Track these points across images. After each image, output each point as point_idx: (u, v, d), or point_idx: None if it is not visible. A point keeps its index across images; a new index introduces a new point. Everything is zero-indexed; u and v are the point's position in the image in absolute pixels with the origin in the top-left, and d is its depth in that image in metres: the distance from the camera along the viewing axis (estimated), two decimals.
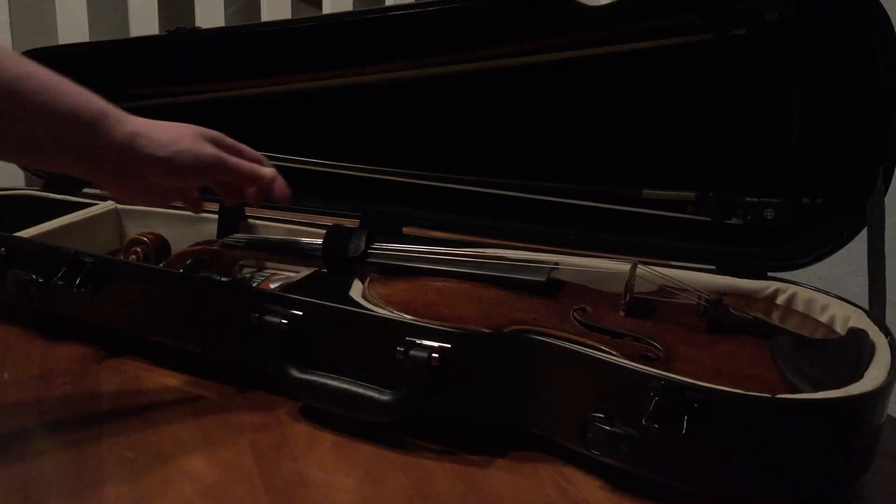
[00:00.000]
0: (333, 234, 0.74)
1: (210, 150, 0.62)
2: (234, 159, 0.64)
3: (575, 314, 0.64)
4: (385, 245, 0.75)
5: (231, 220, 0.88)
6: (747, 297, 0.69)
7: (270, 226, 0.88)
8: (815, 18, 0.65)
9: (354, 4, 1.62)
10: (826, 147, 0.68)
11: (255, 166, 0.65)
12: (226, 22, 1.54)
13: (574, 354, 0.55)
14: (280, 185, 0.67)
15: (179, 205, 0.92)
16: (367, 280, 0.70)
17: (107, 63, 0.92)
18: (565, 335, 0.60)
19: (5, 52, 0.54)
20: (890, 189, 0.65)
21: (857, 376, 0.53)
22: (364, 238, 0.74)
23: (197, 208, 0.71)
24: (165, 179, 0.61)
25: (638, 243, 0.75)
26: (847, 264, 0.82)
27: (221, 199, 0.69)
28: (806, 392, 0.53)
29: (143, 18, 1.47)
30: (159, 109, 0.92)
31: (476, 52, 0.78)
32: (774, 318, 0.67)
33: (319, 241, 0.75)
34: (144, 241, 0.82)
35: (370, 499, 0.53)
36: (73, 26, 1.42)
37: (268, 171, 0.66)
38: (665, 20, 0.69)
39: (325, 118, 0.88)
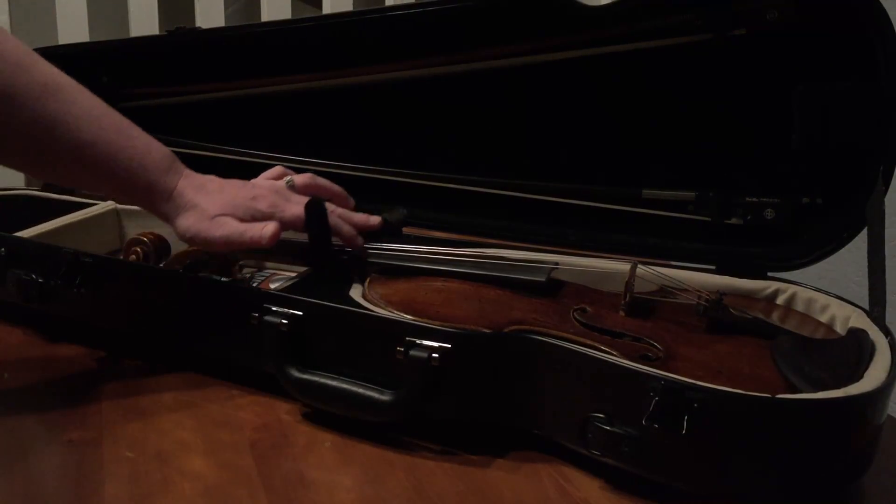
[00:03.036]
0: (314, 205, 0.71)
1: (219, 236, 0.66)
2: (243, 240, 0.66)
3: (575, 314, 0.64)
4: (385, 245, 0.75)
5: None
6: (747, 297, 0.69)
7: None
8: (814, 18, 0.65)
9: (354, 4, 1.62)
10: (826, 147, 0.68)
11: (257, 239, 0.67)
12: (226, 22, 1.54)
13: (574, 354, 0.55)
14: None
15: None
16: (367, 280, 0.70)
17: (107, 63, 0.92)
18: (565, 335, 0.60)
19: (77, 118, 0.60)
20: (890, 189, 0.65)
21: (857, 376, 0.53)
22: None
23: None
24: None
25: (638, 243, 0.75)
26: (847, 264, 0.82)
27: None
28: (806, 392, 0.53)
29: (143, 18, 1.47)
30: (159, 109, 0.92)
31: (476, 52, 0.78)
32: (774, 318, 0.67)
33: None
34: (144, 241, 0.81)
35: (370, 499, 0.53)
36: (73, 26, 1.42)
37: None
38: (665, 20, 0.69)
39: (325, 118, 0.88)
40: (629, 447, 0.51)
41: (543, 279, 0.69)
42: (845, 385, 0.51)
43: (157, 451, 0.57)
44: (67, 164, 0.62)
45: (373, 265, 0.73)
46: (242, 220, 0.67)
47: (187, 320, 0.69)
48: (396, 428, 0.60)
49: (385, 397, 0.58)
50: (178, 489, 0.53)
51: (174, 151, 0.68)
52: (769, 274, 0.71)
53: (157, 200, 0.66)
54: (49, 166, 0.63)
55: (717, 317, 0.63)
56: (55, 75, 0.61)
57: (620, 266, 0.71)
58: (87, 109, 0.62)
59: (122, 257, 0.83)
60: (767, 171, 0.71)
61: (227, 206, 0.67)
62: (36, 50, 0.91)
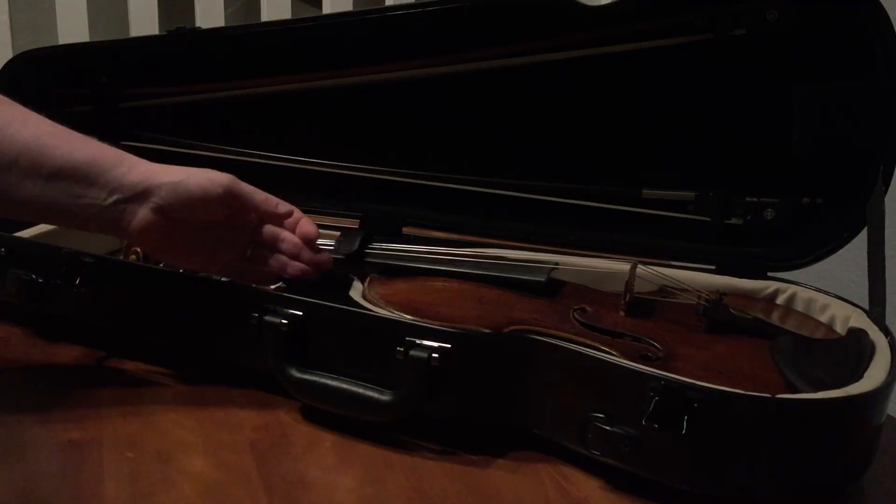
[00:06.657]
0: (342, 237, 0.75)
1: (223, 175, 0.63)
2: (246, 185, 0.65)
3: (575, 314, 0.64)
4: (385, 245, 0.75)
5: None
6: (747, 297, 0.69)
7: None
8: (814, 18, 0.65)
9: (354, 4, 1.62)
10: (826, 147, 0.68)
11: (267, 196, 0.67)
12: (226, 22, 1.54)
13: (574, 354, 0.55)
14: (305, 222, 0.68)
15: None
16: (367, 280, 0.70)
17: (106, 63, 0.92)
18: (565, 335, 0.60)
19: (28, 113, 0.59)
20: (890, 189, 0.65)
21: (857, 376, 0.53)
22: (359, 239, 0.74)
23: (254, 277, 0.69)
24: (185, 212, 0.62)
25: (638, 243, 0.75)
26: (847, 264, 0.82)
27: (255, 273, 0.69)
28: (806, 392, 0.53)
29: (143, 18, 1.47)
30: (159, 109, 0.92)
31: (476, 52, 0.78)
32: (774, 318, 0.67)
33: (319, 241, 0.75)
34: None
35: (370, 499, 0.53)
36: (73, 26, 1.42)
37: (283, 205, 0.68)
38: (665, 20, 0.69)
39: (325, 118, 0.88)
40: (629, 447, 0.51)
41: (543, 279, 0.69)
42: (845, 385, 0.51)
43: (157, 451, 0.57)
44: (26, 165, 0.57)
45: (373, 265, 0.73)
46: None
47: (187, 320, 0.69)
48: (396, 428, 0.60)
49: (385, 397, 0.58)
50: (178, 489, 0.53)
51: (174, 151, 0.68)
52: (769, 274, 0.71)
53: (131, 168, 0.60)
54: (4, 173, 0.58)
55: (717, 317, 0.63)
56: None
57: (620, 266, 0.71)
58: (33, 113, 0.60)
59: (122, 257, 0.83)
60: (767, 171, 0.71)
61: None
62: (35, 50, 0.92)
